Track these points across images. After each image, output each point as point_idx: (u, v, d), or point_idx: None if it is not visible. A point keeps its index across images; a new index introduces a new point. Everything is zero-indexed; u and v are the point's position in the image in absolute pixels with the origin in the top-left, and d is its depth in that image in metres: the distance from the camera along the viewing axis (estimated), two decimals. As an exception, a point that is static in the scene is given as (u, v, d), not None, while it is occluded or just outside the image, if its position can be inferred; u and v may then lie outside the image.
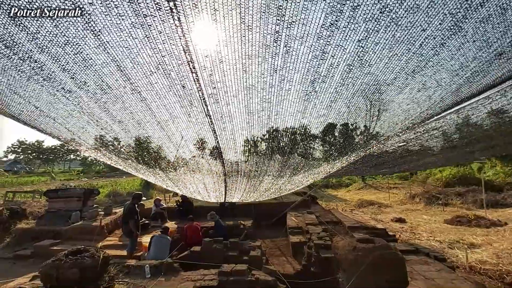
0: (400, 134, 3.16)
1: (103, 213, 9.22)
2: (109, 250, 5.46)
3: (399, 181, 24.91)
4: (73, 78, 1.91)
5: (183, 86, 1.96)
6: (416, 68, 1.80)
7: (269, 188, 4.95)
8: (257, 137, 2.64)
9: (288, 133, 2.68)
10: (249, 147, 2.92)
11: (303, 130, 2.63)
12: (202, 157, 3.17)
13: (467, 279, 5.24)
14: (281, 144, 2.97)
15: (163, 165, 3.53)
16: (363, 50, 1.62)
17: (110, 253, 4.82)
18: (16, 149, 64.28)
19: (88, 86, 2.01)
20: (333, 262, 5.56)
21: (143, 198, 8.94)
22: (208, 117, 2.34)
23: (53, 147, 68.06)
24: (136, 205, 6.90)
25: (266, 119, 2.38)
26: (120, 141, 2.82)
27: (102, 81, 1.95)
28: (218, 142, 2.75)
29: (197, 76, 1.86)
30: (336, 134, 2.96)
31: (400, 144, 4.28)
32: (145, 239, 7.17)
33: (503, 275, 5.69)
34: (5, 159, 69.38)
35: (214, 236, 6.80)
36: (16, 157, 64.94)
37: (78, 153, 70.83)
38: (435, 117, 2.79)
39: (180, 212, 9.60)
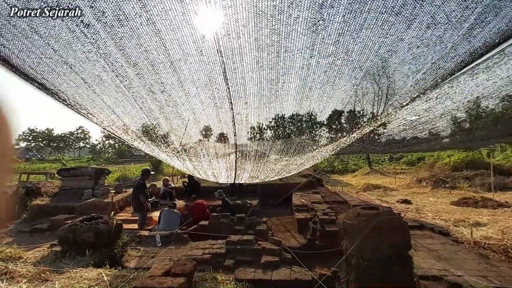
0: (413, 96, 3.06)
1: (114, 191, 9.50)
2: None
3: (406, 167, 24.75)
4: (92, 7, 1.92)
5: (196, 13, 1.97)
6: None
7: (279, 159, 4.97)
8: (266, 80, 2.64)
9: (296, 79, 2.65)
10: (258, 96, 2.90)
11: (311, 73, 2.60)
12: (212, 107, 3.17)
13: (470, 251, 5.31)
14: (290, 92, 2.94)
15: (174, 124, 3.55)
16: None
17: (124, 226, 5.04)
18: (27, 137, 65.66)
19: (106, 17, 1.98)
20: (338, 235, 5.69)
21: (152, 172, 9.16)
22: (219, 53, 2.33)
23: (62, 134, 69.30)
24: (146, 182, 7.15)
25: (275, 57, 2.35)
26: (133, 90, 2.83)
27: (120, 9, 1.92)
28: (228, 88, 2.76)
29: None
30: (345, 85, 2.90)
31: (412, 118, 4.21)
32: (155, 214, 7.44)
33: (507, 249, 5.73)
34: (17, 146, 70.97)
35: (221, 213, 6.97)
36: (27, 145, 66.39)
37: (87, 140, 72.04)
38: (449, 78, 2.72)
39: (187, 192, 9.84)
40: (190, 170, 6.58)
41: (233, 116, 3.30)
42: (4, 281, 2.98)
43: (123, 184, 10.52)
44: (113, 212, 5.76)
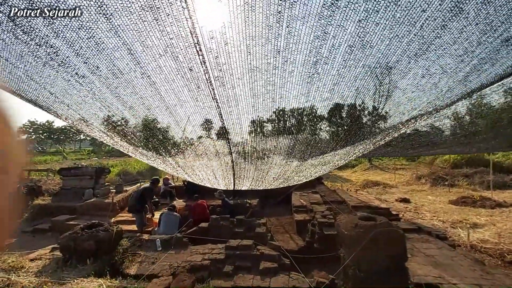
0: (407, 125, 3.13)
1: (114, 191, 9.58)
2: (121, 225, 5.74)
3: (406, 162, 24.79)
4: (86, 63, 1.95)
5: (190, 69, 1.98)
6: (418, 51, 1.76)
7: (277, 178, 5.05)
8: (262, 121, 2.69)
9: (293, 118, 2.71)
10: (255, 133, 2.97)
11: (307, 114, 2.65)
12: (210, 141, 3.25)
13: (466, 257, 5.37)
14: (286, 130, 3.01)
15: (173, 152, 3.63)
16: (364, 30, 1.59)
17: (123, 228, 5.10)
18: (27, 129, 65.65)
19: (100, 71, 2.06)
20: (336, 239, 5.76)
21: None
22: (214, 101, 2.37)
23: (63, 127, 69.27)
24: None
25: (271, 103, 2.39)
26: (130, 127, 2.92)
27: (114, 65, 1.97)
28: (224, 127, 2.81)
29: (204, 58, 1.87)
30: (341, 121, 2.97)
31: (409, 132, 4.22)
32: (155, 215, 7.52)
33: (503, 254, 5.80)
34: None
35: (221, 213, 7.04)
36: (28, 137, 66.47)
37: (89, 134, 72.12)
38: (445, 108, 2.75)
39: (187, 191, 9.90)
40: (190, 176, 6.66)
41: (230, 148, 3.36)
42: (7, 294, 3.05)
43: (123, 183, 10.59)
44: (113, 219, 5.81)
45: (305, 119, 2.79)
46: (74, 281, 3.48)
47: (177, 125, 2.81)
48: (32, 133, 65.75)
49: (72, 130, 69.99)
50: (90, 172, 9.51)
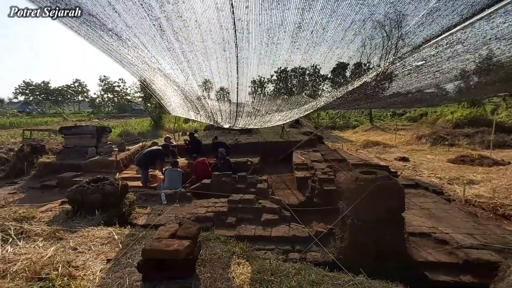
0: (425, 38, 2.95)
1: (117, 149, 9.66)
2: (126, 181, 5.87)
3: (408, 123, 24.66)
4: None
5: None
6: None
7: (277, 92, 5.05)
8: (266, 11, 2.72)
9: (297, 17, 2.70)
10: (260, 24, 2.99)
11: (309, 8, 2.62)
12: (218, 29, 3.30)
13: (461, 210, 5.58)
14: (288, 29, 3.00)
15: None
16: None
17: (129, 184, 5.22)
18: (23, 90, 64.48)
19: None
20: (335, 194, 5.92)
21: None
22: None
23: (59, 88, 67.87)
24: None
25: None
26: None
27: None
28: (233, 11, 2.85)
29: None
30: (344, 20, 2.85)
31: (418, 64, 4.00)
32: (159, 173, 7.68)
33: (496, 207, 5.99)
34: (15, 100, 70.28)
35: (223, 171, 7.16)
36: (25, 98, 65.61)
37: (85, 94, 70.82)
38: (462, 24, 2.59)
39: (189, 150, 9.97)
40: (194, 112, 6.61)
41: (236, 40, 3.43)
42: (22, 240, 3.19)
43: (125, 143, 10.65)
44: (118, 174, 5.92)
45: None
46: (85, 229, 3.64)
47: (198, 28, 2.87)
48: (29, 94, 64.72)
49: (69, 91, 68.68)
50: (91, 130, 9.51)
